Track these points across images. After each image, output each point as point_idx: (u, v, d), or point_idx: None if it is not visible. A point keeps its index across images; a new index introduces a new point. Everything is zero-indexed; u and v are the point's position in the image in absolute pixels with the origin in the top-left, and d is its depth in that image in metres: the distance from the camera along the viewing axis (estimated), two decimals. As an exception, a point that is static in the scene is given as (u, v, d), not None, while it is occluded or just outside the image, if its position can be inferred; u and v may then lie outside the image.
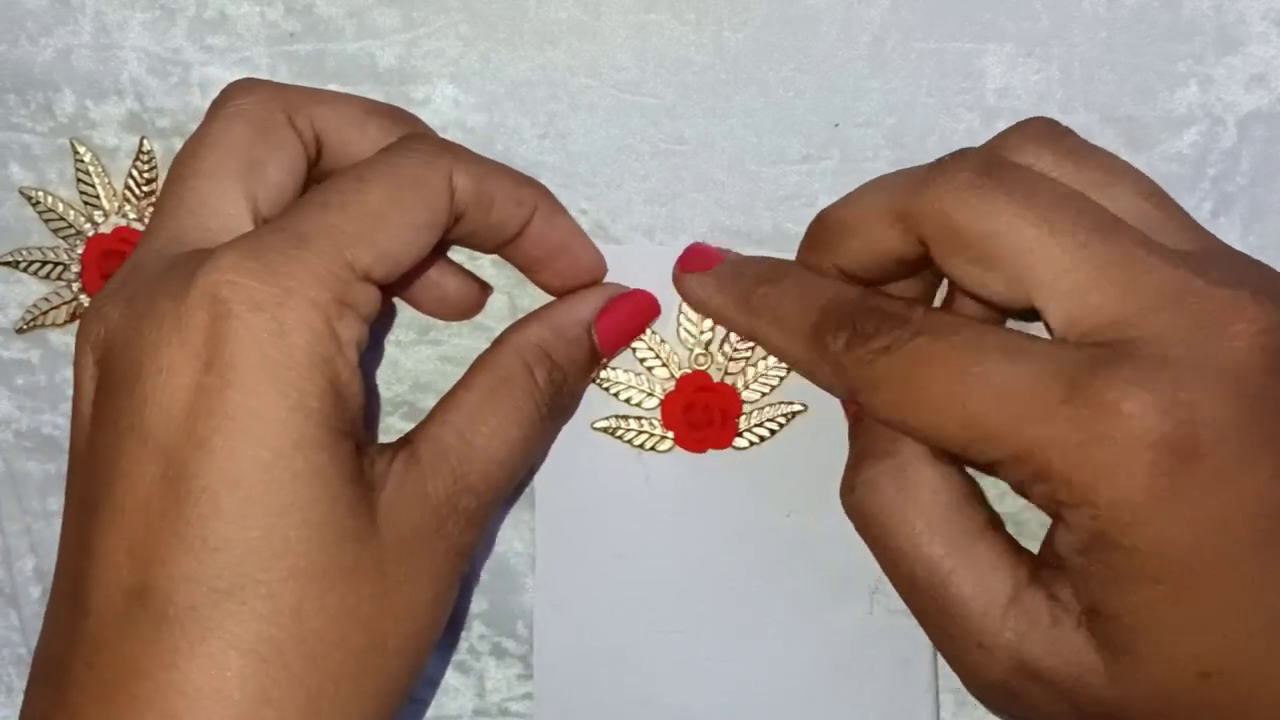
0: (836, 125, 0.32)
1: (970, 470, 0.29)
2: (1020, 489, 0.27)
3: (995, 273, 0.26)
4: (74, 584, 0.26)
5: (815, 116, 0.32)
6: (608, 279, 0.33)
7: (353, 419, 0.27)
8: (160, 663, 0.24)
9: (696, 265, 0.32)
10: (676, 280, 0.32)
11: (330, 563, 0.25)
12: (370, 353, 0.34)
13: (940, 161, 0.27)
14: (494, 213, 0.30)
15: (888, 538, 0.29)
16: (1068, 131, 0.28)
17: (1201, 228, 0.27)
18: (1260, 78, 0.31)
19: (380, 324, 0.34)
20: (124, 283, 0.27)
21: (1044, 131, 0.28)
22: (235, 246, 0.26)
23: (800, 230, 0.32)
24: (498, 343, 0.31)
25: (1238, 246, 0.31)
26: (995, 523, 0.28)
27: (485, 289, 0.33)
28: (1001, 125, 0.31)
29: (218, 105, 0.29)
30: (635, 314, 0.32)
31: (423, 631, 0.27)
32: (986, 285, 0.26)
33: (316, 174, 0.30)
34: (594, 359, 0.32)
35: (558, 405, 0.31)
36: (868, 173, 0.32)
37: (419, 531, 0.27)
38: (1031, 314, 0.26)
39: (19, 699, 0.37)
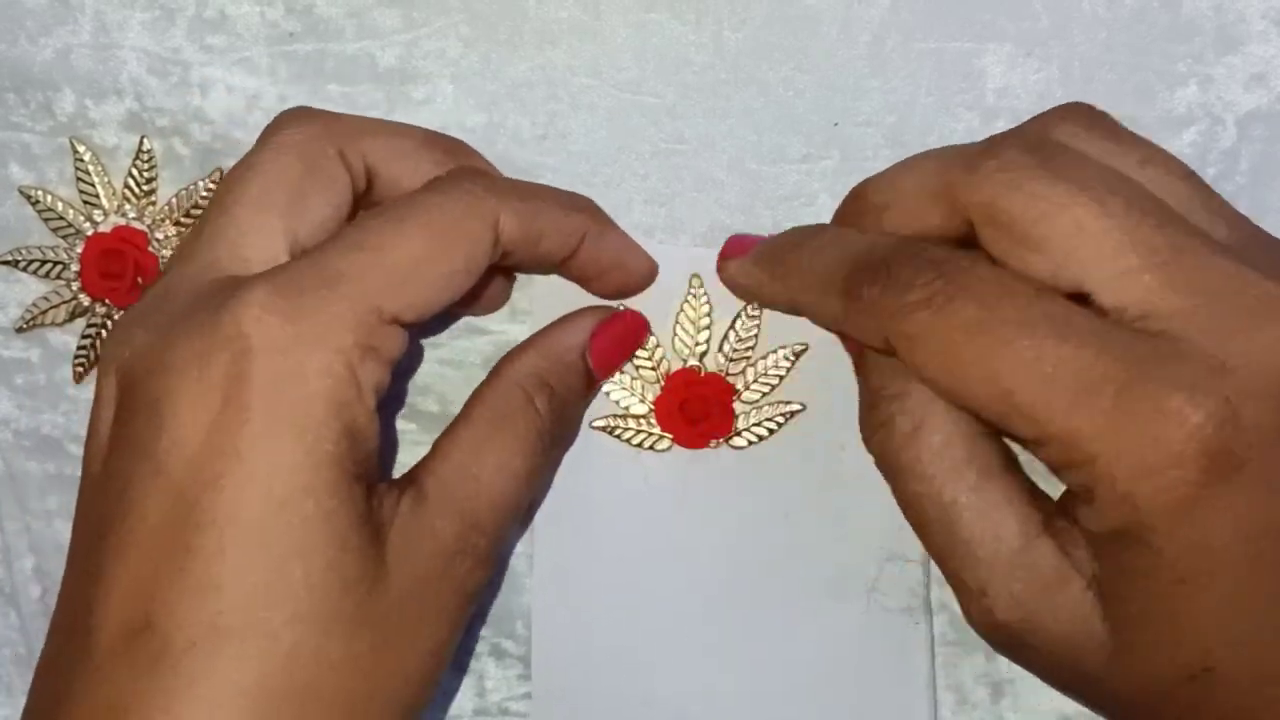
0: (836, 125, 0.32)
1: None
2: (1050, 467, 0.26)
3: (1044, 255, 0.25)
4: (78, 612, 0.26)
5: (815, 116, 0.32)
6: None
7: (367, 461, 0.26)
8: (154, 703, 0.24)
9: (736, 252, 0.32)
10: (718, 269, 0.32)
11: (333, 609, 0.25)
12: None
13: (988, 144, 0.26)
14: (542, 245, 0.29)
15: (901, 479, 0.28)
16: (1104, 115, 0.28)
17: (1237, 212, 0.27)
18: (1260, 77, 0.31)
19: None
20: (153, 307, 0.27)
21: (1082, 114, 0.28)
22: (265, 281, 0.26)
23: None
24: (494, 374, 0.30)
25: (1238, 246, 0.31)
26: (1011, 464, 0.28)
27: (510, 278, 0.33)
28: (1001, 125, 0.32)
29: (268, 134, 0.29)
30: (628, 335, 0.32)
31: (420, 680, 0.27)
32: (1033, 267, 0.25)
33: (367, 204, 0.30)
34: (590, 383, 0.32)
35: (559, 433, 0.31)
36: (868, 172, 0.32)
37: (426, 574, 0.27)
38: (1077, 298, 0.25)
39: (19, 699, 0.37)
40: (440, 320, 0.33)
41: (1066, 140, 0.27)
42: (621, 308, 0.33)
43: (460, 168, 0.30)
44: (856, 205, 0.30)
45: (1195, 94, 0.31)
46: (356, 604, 0.26)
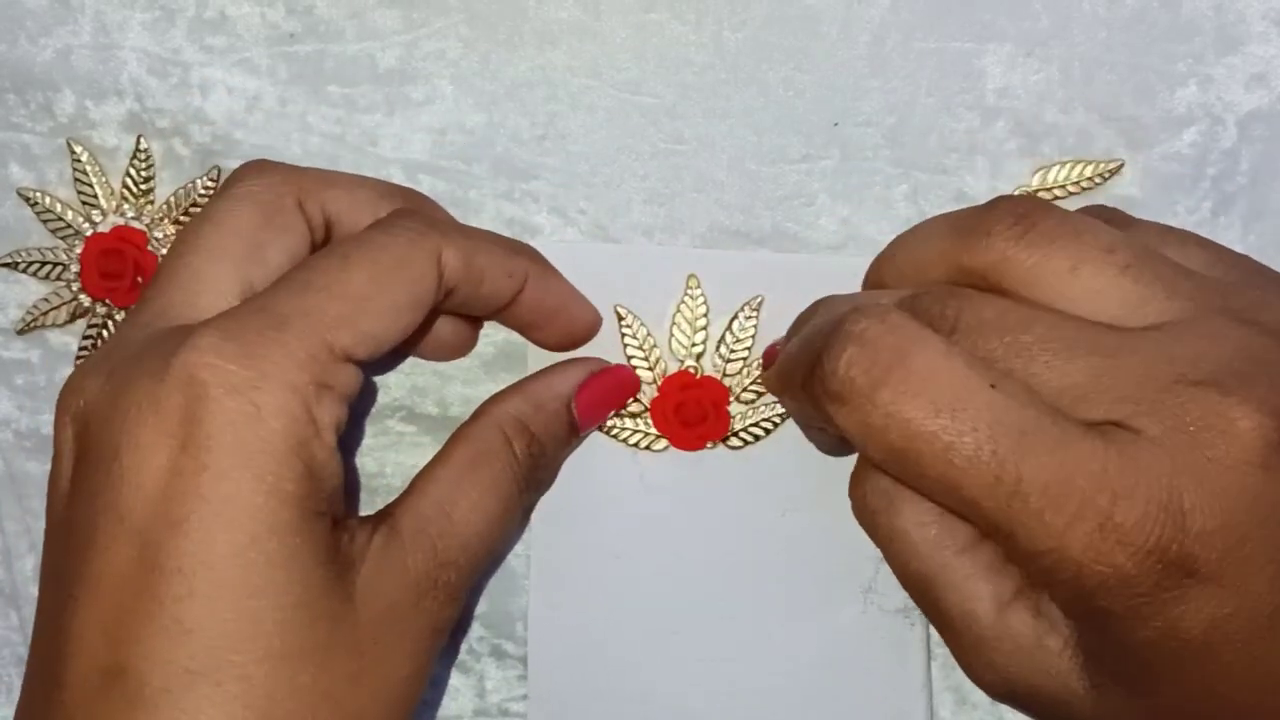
0: (836, 125, 0.32)
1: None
2: (1008, 557, 0.27)
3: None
4: (49, 660, 0.26)
5: (815, 116, 0.32)
6: (605, 281, 0.33)
7: (330, 498, 0.26)
8: None
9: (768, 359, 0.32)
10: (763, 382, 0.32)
11: (304, 644, 0.25)
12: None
13: (870, 349, 0.25)
14: (485, 286, 0.30)
15: (884, 551, 0.29)
16: (1037, 214, 0.26)
17: (1190, 282, 0.26)
18: (1260, 77, 0.31)
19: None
20: (106, 356, 0.27)
21: (1010, 222, 0.26)
22: (214, 326, 0.26)
23: (800, 229, 0.32)
24: (477, 414, 0.31)
25: (1237, 247, 0.31)
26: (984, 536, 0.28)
27: (477, 325, 0.33)
28: (1001, 125, 0.31)
29: (227, 185, 0.29)
30: (615, 390, 0.33)
31: (397, 707, 0.27)
32: None
33: None
34: (573, 433, 0.32)
35: (535, 478, 0.31)
36: (867, 172, 0.32)
37: (397, 607, 0.27)
38: None
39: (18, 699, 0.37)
40: (394, 358, 0.34)
41: (993, 258, 0.26)
42: (625, 313, 0.33)
43: (402, 209, 0.30)
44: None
45: (1195, 94, 0.31)
46: (326, 638, 0.26)
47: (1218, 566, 0.23)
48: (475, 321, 0.33)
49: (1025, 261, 0.26)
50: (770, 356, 0.32)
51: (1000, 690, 0.27)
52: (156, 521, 0.25)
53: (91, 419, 0.26)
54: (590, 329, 0.33)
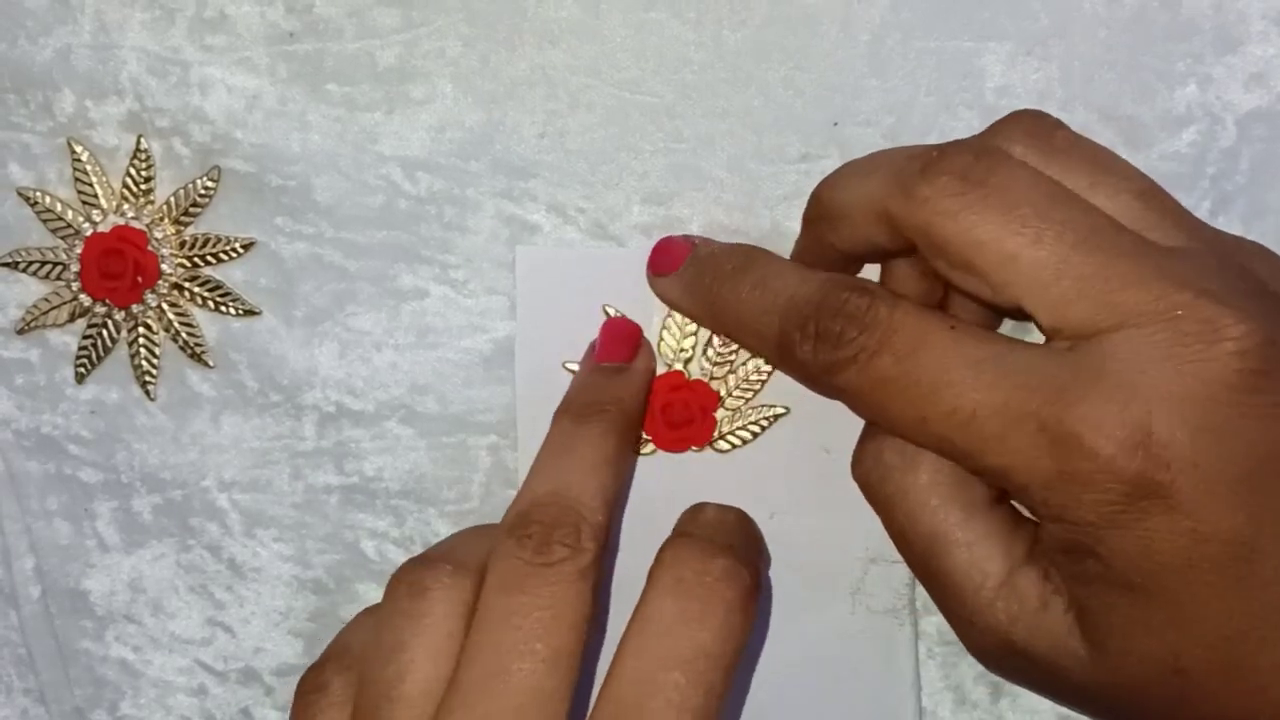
0: (835, 124, 0.32)
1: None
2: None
3: (981, 280, 0.25)
4: None
5: (814, 115, 0.32)
6: (595, 282, 0.33)
7: None
8: None
9: (664, 266, 0.32)
10: (650, 282, 0.32)
11: None
12: (374, 353, 0.34)
13: (926, 165, 0.26)
14: None
15: (889, 511, 0.29)
16: (1057, 126, 0.27)
17: (1196, 223, 0.27)
18: (1259, 77, 0.31)
19: (382, 328, 0.34)
20: None
21: (1033, 128, 0.27)
22: None
23: (799, 229, 0.32)
24: None
25: (1237, 246, 0.31)
26: (998, 497, 0.28)
27: None
28: (1000, 124, 0.32)
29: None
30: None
31: None
32: (972, 288, 0.26)
33: None
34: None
35: None
36: (866, 171, 0.32)
37: None
38: (1024, 313, 0.26)
39: (19, 699, 0.37)
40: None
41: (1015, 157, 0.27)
42: (615, 313, 0.33)
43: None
44: (816, 211, 0.30)
45: (1195, 94, 0.31)
46: None
47: (1183, 486, 0.23)
48: None
49: (1049, 169, 0.26)
50: (668, 254, 0.32)
51: (995, 654, 0.27)
52: None
53: None
54: None
